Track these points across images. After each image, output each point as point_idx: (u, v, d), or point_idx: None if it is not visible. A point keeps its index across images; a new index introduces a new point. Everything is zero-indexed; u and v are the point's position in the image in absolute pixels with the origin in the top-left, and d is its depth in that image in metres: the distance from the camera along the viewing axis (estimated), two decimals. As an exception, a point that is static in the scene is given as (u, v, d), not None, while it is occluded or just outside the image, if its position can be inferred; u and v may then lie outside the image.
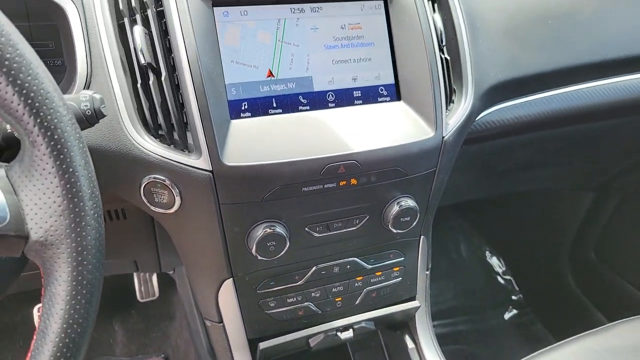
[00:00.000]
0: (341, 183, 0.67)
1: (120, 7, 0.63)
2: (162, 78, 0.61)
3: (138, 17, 0.63)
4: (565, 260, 1.64)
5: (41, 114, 0.35)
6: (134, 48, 0.62)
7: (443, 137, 0.71)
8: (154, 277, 1.40)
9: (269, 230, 0.65)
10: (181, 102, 0.62)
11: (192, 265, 0.75)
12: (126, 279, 1.39)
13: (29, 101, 0.34)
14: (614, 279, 1.48)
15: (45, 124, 0.35)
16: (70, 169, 0.36)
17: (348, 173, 0.66)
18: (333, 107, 0.70)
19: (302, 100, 0.69)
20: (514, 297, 1.74)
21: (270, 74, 0.68)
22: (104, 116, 0.50)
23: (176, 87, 0.62)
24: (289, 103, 0.68)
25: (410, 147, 0.69)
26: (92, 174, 0.38)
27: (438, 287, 1.70)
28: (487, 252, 1.83)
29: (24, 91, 0.34)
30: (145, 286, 1.40)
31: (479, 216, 1.85)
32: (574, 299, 1.60)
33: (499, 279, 1.78)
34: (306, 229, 0.69)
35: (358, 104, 0.72)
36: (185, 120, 0.63)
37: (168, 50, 0.62)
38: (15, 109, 0.34)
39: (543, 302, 1.69)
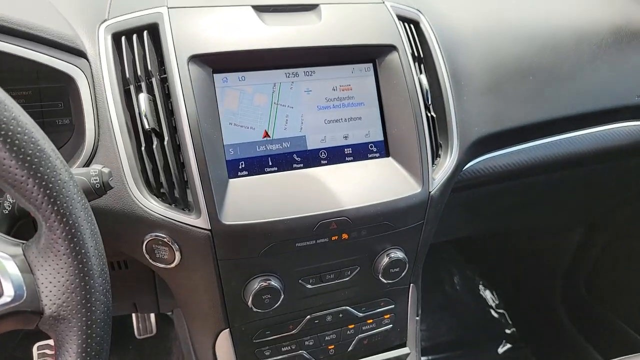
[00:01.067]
0: (333, 238, 0.70)
1: (127, 75, 0.67)
2: (165, 142, 0.65)
3: (143, 84, 0.67)
4: (557, 295, 1.67)
5: (58, 202, 0.39)
6: (139, 113, 0.66)
7: (430, 192, 0.75)
8: (152, 315, 1.43)
9: (264, 284, 0.69)
10: (182, 162, 0.66)
11: (190, 315, 0.78)
12: (124, 315, 1.41)
13: (48, 192, 0.38)
14: (606, 315, 1.51)
15: (62, 211, 0.39)
16: (83, 250, 0.40)
17: (339, 228, 0.70)
18: (325, 164, 0.74)
19: (296, 159, 0.73)
20: (507, 331, 1.76)
21: (266, 134, 0.72)
22: (112, 188, 0.54)
23: (177, 149, 0.66)
24: (283, 161, 0.72)
25: (398, 202, 0.72)
26: (102, 252, 0.42)
27: (432, 320, 1.73)
28: (480, 285, 1.86)
29: (44, 183, 0.38)
30: (143, 323, 1.42)
31: (473, 250, 1.89)
32: (567, 333, 1.63)
33: (493, 312, 1.81)
34: (300, 281, 0.73)
35: (349, 161, 0.76)
36: (185, 180, 0.66)
37: (170, 113, 0.66)
38: (35, 198, 0.38)
39: (537, 337, 1.71)
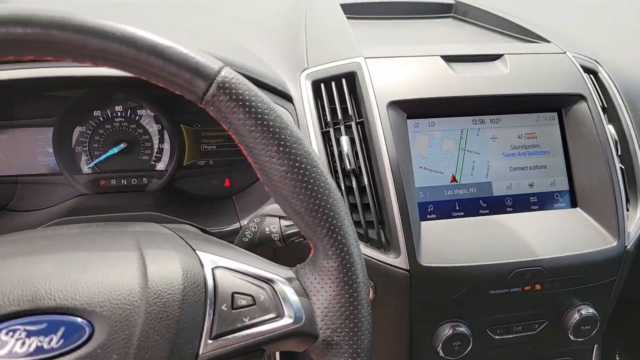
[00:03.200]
0: (526, 288, 0.68)
1: (328, 118, 0.72)
2: (365, 182, 0.68)
3: (342, 127, 0.71)
4: None
5: (339, 234, 0.41)
6: (340, 154, 0.69)
7: (626, 247, 0.71)
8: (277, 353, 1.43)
9: (454, 330, 0.67)
10: (379, 202, 0.68)
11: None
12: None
13: (331, 224, 0.41)
14: None
15: (341, 243, 0.41)
16: (358, 280, 0.42)
17: (533, 278, 0.68)
18: (511, 212, 0.73)
19: (482, 204, 0.73)
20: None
21: (454, 179, 0.73)
22: None
23: (374, 190, 0.69)
24: (470, 206, 0.73)
25: (594, 255, 0.69)
26: (367, 283, 0.43)
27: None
28: None
29: (332, 213, 0.41)
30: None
31: None
32: None
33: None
34: (487, 330, 0.71)
35: (534, 209, 0.74)
36: (380, 219, 0.68)
37: (368, 155, 0.69)
38: (322, 227, 0.41)
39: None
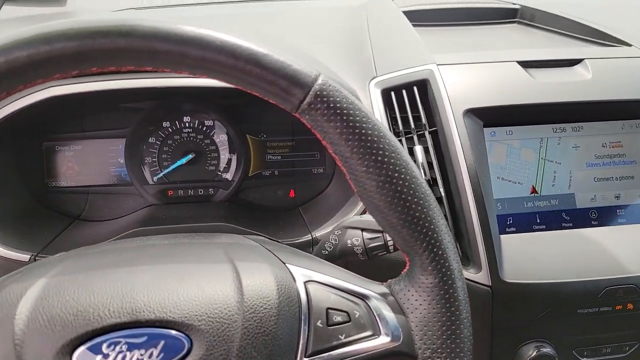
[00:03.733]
0: (617, 307, 0.64)
1: (400, 127, 0.69)
2: (442, 192, 0.65)
3: (415, 136, 0.69)
4: None
5: (439, 250, 0.39)
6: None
7: None
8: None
9: (539, 351, 0.63)
10: (455, 214, 0.65)
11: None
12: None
13: (431, 239, 0.39)
14: None
15: (441, 258, 0.39)
16: (460, 298, 0.39)
17: (625, 297, 0.63)
18: (596, 225, 0.69)
19: (565, 217, 0.69)
20: None
21: (534, 190, 0.69)
22: None
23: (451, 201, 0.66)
24: (552, 220, 0.68)
25: (693, 274, 0.64)
26: (468, 302, 0.41)
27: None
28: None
29: (432, 227, 0.39)
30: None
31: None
32: None
33: None
34: (574, 351, 0.66)
35: (622, 223, 0.69)
36: (457, 232, 0.65)
37: (443, 165, 0.67)
38: (420, 242, 0.39)
39: None
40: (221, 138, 0.82)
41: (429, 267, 0.40)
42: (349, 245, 0.52)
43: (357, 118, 0.38)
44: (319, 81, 0.38)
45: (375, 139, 0.38)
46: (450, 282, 0.39)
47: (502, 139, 0.70)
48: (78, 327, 0.34)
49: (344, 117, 0.38)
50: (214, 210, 0.78)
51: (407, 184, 0.39)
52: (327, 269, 0.43)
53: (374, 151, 0.38)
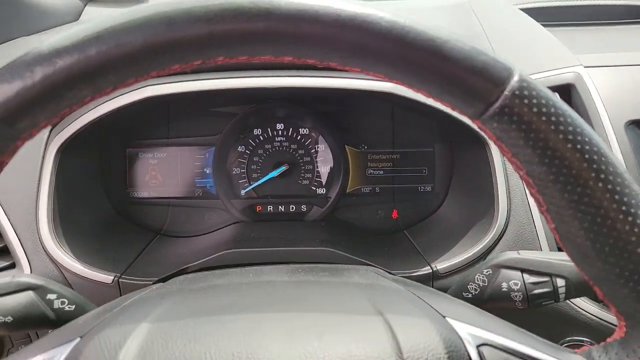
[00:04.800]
0: None
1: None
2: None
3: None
4: None
5: None
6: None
7: None
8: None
9: None
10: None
11: None
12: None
13: None
14: None
15: None
16: None
17: None
18: None
19: None
20: None
21: None
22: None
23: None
24: None
25: None
26: None
27: None
28: None
29: None
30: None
31: None
32: None
33: None
34: None
35: None
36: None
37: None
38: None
39: None
40: (317, 148, 0.73)
41: None
42: (504, 289, 0.41)
43: (570, 129, 0.28)
44: (515, 77, 0.28)
45: (597, 160, 0.27)
46: None
47: None
48: None
49: (552, 128, 0.27)
50: (309, 230, 0.69)
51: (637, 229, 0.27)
52: (500, 327, 0.32)
53: (594, 180, 0.27)
